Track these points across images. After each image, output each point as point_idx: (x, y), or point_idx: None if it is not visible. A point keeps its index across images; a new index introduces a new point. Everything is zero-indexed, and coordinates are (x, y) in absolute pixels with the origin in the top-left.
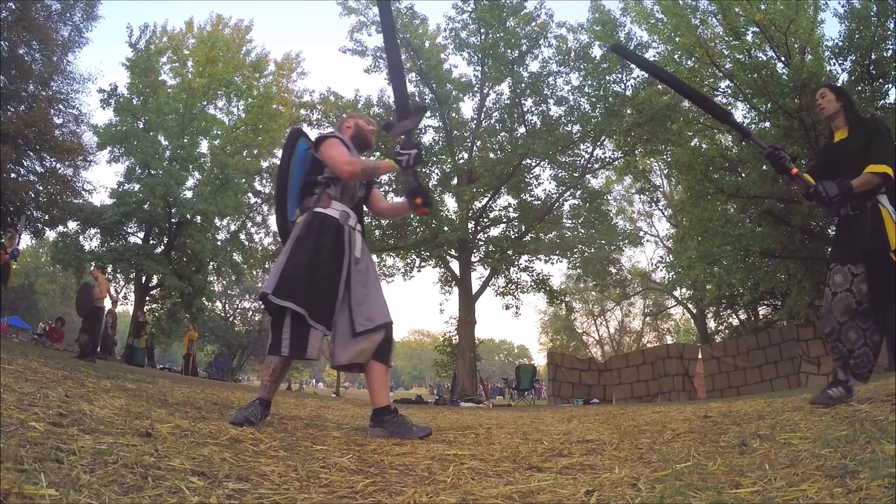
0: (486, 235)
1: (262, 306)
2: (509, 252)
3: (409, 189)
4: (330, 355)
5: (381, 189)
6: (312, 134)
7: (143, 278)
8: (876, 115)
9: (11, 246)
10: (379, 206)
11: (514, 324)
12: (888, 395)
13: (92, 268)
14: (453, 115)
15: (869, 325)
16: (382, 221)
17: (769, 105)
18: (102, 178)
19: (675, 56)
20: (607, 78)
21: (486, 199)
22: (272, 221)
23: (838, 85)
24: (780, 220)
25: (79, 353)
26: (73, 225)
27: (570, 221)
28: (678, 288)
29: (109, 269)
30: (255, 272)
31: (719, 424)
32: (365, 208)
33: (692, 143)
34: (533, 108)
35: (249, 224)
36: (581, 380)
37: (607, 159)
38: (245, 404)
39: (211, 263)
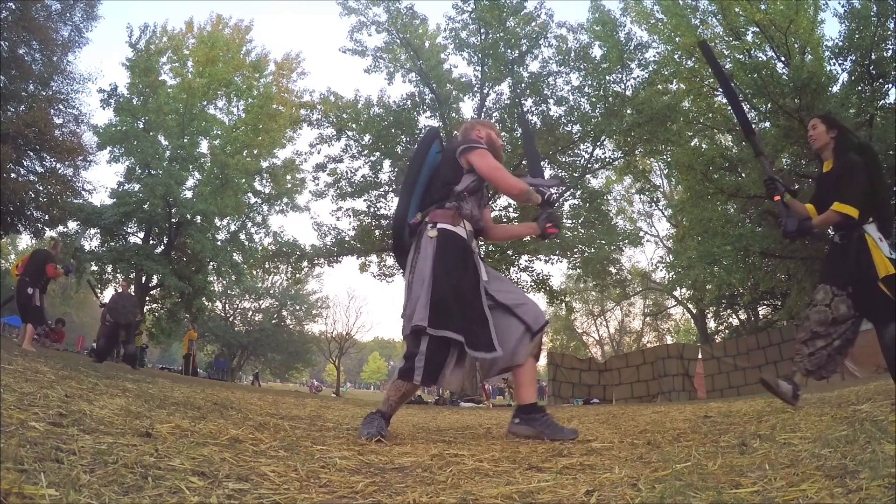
0: None
1: (408, 334)
2: (509, 252)
3: (545, 214)
4: (492, 364)
5: (382, 189)
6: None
7: (143, 278)
8: (861, 147)
9: (55, 253)
10: (490, 228)
11: None
12: (888, 395)
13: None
14: (453, 115)
15: (836, 333)
16: (383, 221)
17: (769, 105)
18: (102, 178)
19: (676, 56)
20: (607, 78)
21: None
22: (272, 221)
23: (831, 116)
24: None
25: (122, 358)
26: (72, 225)
27: (570, 221)
28: (678, 288)
29: (109, 269)
30: (255, 272)
31: (719, 424)
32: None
33: (692, 143)
34: (533, 108)
35: (249, 224)
36: (581, 380)
37: (607, 159)
38: (367, 418)
39: (211, 263)
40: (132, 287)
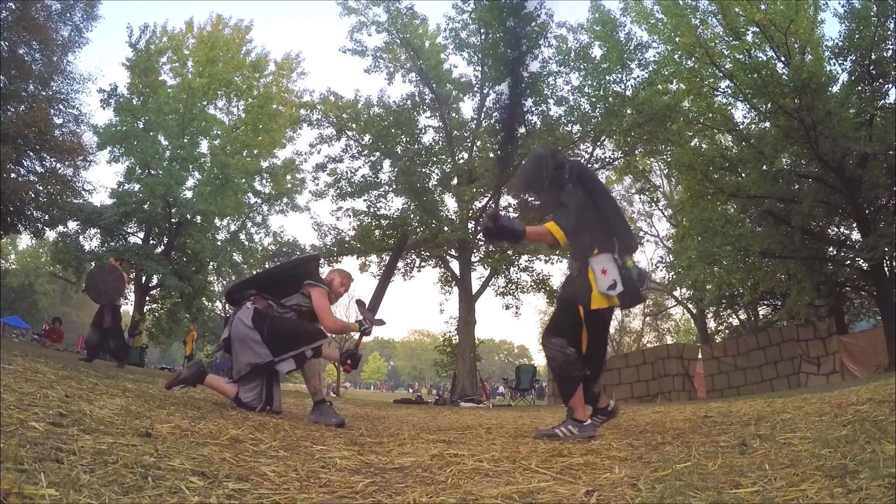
0: None
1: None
2: (509, 252)
3: (348, 352)
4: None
5: (382, 189)
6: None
7: (144, 278)
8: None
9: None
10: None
11: (514, 324)
12: (888, 395)
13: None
14: (453, 115)
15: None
16: (383, 221)
17: (769, 105)
18: (102, 178)
19: (676, 56)
20: (607, 78)
21: (486, 199)
22: (272, 221)
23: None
24: (780, 220)
25: (117, 362)
26: (73, 225)
27: None
28: (678, 288)
29: None
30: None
31: (719, 424)
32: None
33: (692, 144)
34: (533, 108)
35: (249, 224)
36: None
37: (607, 159)
38: (324, 412)
39: (211, 263)
40: (130, 271)
